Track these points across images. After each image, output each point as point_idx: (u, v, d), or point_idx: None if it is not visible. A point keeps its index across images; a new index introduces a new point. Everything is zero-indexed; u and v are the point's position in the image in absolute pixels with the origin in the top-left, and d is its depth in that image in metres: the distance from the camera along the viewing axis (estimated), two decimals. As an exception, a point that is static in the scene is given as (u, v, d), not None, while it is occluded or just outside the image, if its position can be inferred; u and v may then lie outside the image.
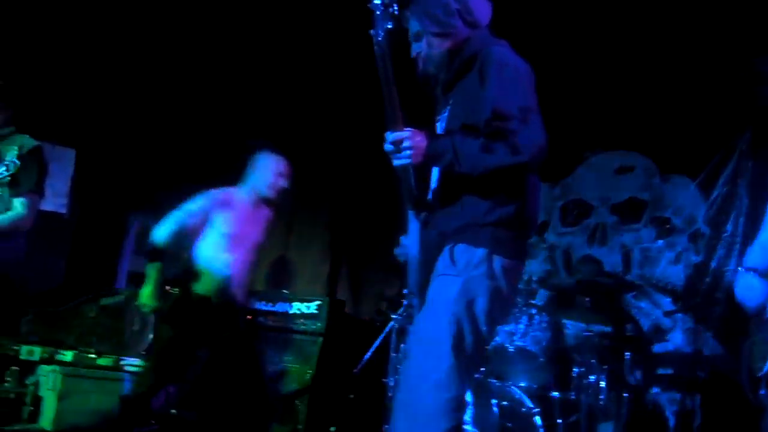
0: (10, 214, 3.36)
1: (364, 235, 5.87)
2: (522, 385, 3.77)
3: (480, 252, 1.98)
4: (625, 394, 3.84)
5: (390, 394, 4.02)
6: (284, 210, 6.02)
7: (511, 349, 3.85)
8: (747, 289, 2.56)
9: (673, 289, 4.33)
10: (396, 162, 1.99)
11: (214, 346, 3.84)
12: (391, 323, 4.22)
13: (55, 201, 4.91)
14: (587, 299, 4.03)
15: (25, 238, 3.50)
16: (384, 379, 4.17)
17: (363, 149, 5.71)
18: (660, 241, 4.75)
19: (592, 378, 3.82)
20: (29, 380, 4.12)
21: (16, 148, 3.38)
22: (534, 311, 3.92)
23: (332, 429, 4.51)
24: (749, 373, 2.44)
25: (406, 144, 1.94)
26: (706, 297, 4.36)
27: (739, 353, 2.56)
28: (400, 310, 4.19)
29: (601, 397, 3.80)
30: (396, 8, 1.90)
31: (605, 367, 3.84)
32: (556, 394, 3.82)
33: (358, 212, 5.90)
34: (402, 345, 4.06)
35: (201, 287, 3.72)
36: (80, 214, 5.34)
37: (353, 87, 5.67)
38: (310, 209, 5.98)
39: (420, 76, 2.22)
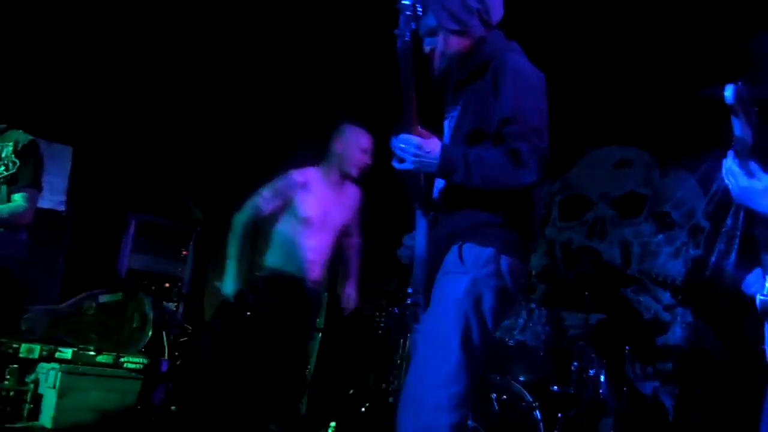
0: (11, 205, 3.35)
1: (363, 231, 5.86)
2: (522, 379, 3.77)
3: (488, 251, 2.02)
4: (624, 388, 3.85)
5: (390, 389, 4.02)
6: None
7: (510, 343, 3.86)
8: None
9: (673, 283, 4.33)
10: (398, 166, 2.00)
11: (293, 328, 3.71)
12: (391, 319, 4.21)
13: (52, 199, 4.90)
14: (586, 293, 4.03)
15: (27, 234, 3.49)
16: (383, 374, 4.17)
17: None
18: (660, 236, 4.75)
19: (591, 372, 3.82)
20: (29, 378, 4.11)
21: (11, 144, 3.37)
22: (533, 306, 3.93)
23: (332, 424, 4.51)
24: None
25: (411, 150, 1.95)
26: (705, 291, 4.36)
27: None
28: (400, 305, 4.19)
29: (601, 391, 3.80)
30: (421, 9, 1.90)
31: (604, 361, 3.85)
32: (555, 388, 3.82)
33: (358, 207, 5.88)
34: (401, 340, 4.06)
35: (280, 270, 3.64)
36: (78, 211, 5.33)
37: (350, 82, 5.67)
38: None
39: (433, 73, 2.21)
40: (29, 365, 4.13)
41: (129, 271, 5.44)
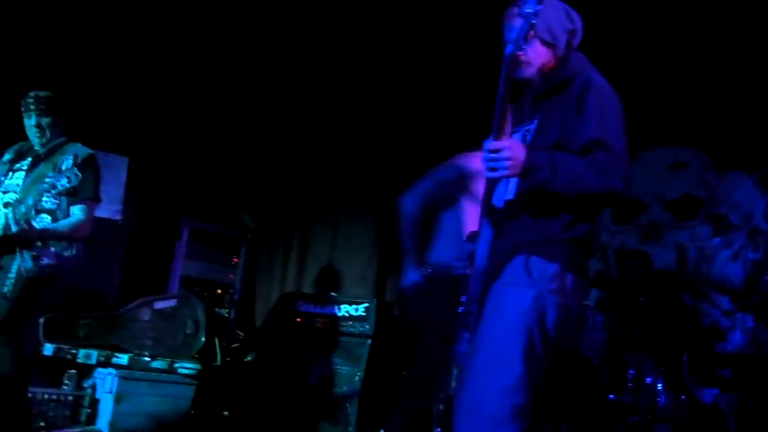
0: (70, 220, 3.45)
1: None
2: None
3: (554, 267, 2.01)
4: (682, 397, 3.74)
5: (440, 397, 3.99)
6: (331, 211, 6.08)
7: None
8: None
9: (732, 288, 4.21)
10: (492, 174, 1.98)
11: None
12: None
13: (109, 208, 5.01)
14: (642, 299, 3.94)
15: (83, 245, 3.59)
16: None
17: (410, 151, 5.70)
18: (717, 239, 4.61)
19: (648, 380, 3.73)
20: (87, 383, 4.22)
21: (71, 157, 3.46)
22: (588, 312, 3.85)
23: (382, 431, 4.50)
24: None
25: (505, 154, 1.93)
26: (767, 295, 4.22)
27: None
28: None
29: (658, 399, 3.71)
30: (536, 21, 1.96)
31: (662, 368, 3.75)
32: (611, 396, 3.74)
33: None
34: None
35: (447, 266, 3.19)
36: (134, 220, 5.45)
37: (401, 90, 5.67)
38: (357, 210, 5.98)
39: (511, 79, 2.14)
40: (87, 371, 4.24)
41: (182, 278, 5.54)
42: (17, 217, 3.22)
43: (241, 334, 5.28)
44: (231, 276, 5.72)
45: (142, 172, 5.50)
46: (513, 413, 1.90)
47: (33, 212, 3.29)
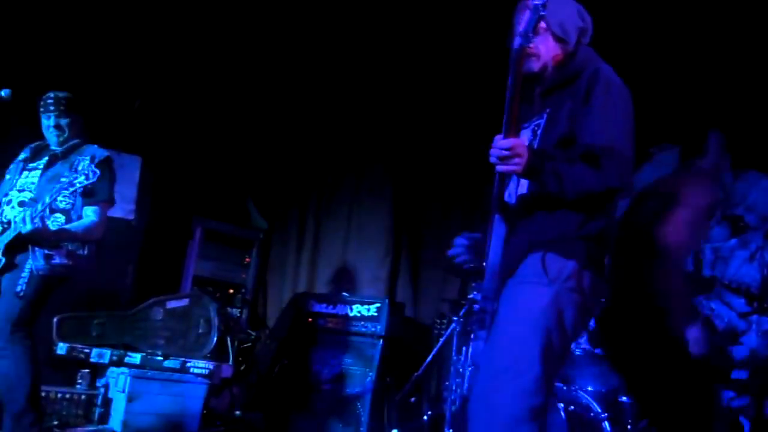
0: (83, 221, 3.47)
1: (423, 237, 5.83)
2: (589, 389, 3.67)
3: (571, 264, 1.99)
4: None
5: (452, 398, 3.97)
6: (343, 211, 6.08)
7: (578, 352, 3.76)
8: None
9: (748, 290, 4.16)
10: (502, 168, 1.96)
11: None
12: (453, 326, 4.17)
13: (122, 207, 5.03)
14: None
15: (95, 245, 3.60)
16: (445, 382, 4.12)
17: (424, 151, 5.69)
18: (733, 240, 4.56)
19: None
20: (100, 382, 4.24)
21: (87, 158, 3.49)
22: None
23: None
24: None
25: (517, 151, 1.93)
26: (784, 297, 4.17)
27: None
28: (462, 312, 4.14)
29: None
30: (545, 13, 1.97)
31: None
32: (625, 398, 3.70)
33: (417, 214, 5.87)
34: (464, 348, 4.00)
35: None
36: (147, 219, 5.47)
37: (419, 88, 5.65)
38: (370, 210, 5.98)
39: (521, 72, 2.09)
40: (100, 370, 4.26)
41: (195, 277, 5.55)
42: (32, 215, 3.24)
43: (253, 333, 5.29)
44: (243, 275, 5.73)
45: (155, 172, 5.52)
46: (530, 414, 1.88)
47: (48, 211, 3.31)
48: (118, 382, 4.10)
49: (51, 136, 3.61)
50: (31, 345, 3.32)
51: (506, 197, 2.16)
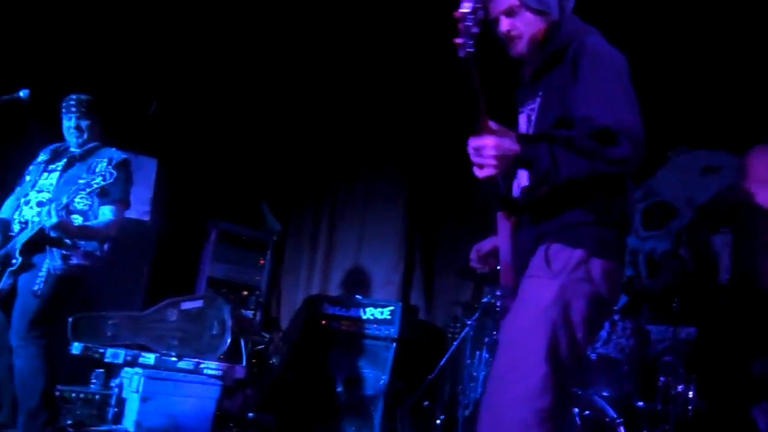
0: (101, 220, 3.51)
1: (437, 241, 5.82)
2: (605, 394, 3.63)
3: (578, 253, 1.85)
4: (715, 404, 3.65)
5: (465, 402, 3.95)
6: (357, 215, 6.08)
7: (593, 356, 3.72)
8: None
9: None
10: (479, 173, 1.82)
11: None
12: (466, 329, 4.15)
13: (138, 209, 5.05)
14: (674, 305, 3.85)
15: (110, 247, 3.63)
16: (458, 386, 4.10)
17: (438, 154, 5.67)
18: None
19: (680, 387, 3.65)
20: (114, 382, 4.25)
21: (105, 160, 3.53)
22: (617, 317, 3.78)
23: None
24: None
25: (490, 152, 1.78)
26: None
27: None
28: (475, 316, 4.12)
29: (689, 407, 3.62)
30: (483, 13, 1.77)
31: (693, 375, 3.67)
32: (641, 403, 3.66)
33: (431, 217, 5.86)
34: (477, 352, 3.98)
35: None
36: (162, 221, 5.49)
37: (433, 91, 5.64)
38: (383, 213, 5.97)
39: (476, 69, 1.91)
40: (114, 370, 4.27)
41: (209, 279, 5.56)
42: (57, 208, 3.26)
43: (267, 335, 5.29)
44: (257, 277, 5.73)
45: (170, 174, 5.55)
46: (538, 418, 1.76)
47: (65, 212, 3.33)
48: (131, 382, 4.11)
49: (71, 137, 3.66)
50: (47, 344, 3.34)
51: (514, 191, 2.09)
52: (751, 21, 4.37)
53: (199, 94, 5.78)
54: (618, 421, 3.45)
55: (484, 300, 4.13)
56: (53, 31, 5.05)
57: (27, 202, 3.54)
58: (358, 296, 5.11)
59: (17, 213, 3.54)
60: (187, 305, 4.60)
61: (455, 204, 5.67)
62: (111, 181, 3.25)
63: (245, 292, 5.63)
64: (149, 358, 4.20)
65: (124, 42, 5.32)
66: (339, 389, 4.59)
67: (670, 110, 4.77)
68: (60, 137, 3.73)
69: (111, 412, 4.11)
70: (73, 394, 4.07)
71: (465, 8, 1.71)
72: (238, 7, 5.41)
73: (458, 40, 1.73)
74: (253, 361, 5.00)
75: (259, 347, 5.17)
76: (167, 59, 5.54)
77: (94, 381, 4.28)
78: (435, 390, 4.59)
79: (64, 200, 3.27)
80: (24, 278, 3.40)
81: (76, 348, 4.10)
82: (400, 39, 5.47)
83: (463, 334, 4.18)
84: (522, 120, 2.11)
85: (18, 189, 3.70)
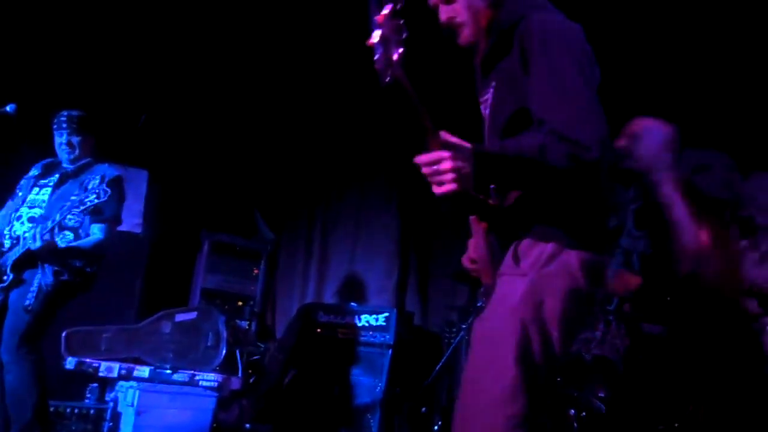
0: (90, 239, 3.50)
1: (431, 246, 5.81)
2: (601, 395, 3.63)
3: (549, 247, 1.71)
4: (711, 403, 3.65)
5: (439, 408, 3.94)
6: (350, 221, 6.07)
7: (587, 357, 3.72)
8: None
9: (759, 291, 4.11)
10: (437, 190, 1.65)
11: None
12: (461, 334, 4.14)
13: (130, 221, 5.04)
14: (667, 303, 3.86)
15: (100, 262, 3.62)
16: (455, 391, 4.09)
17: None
18: (743, 241, 4.52)
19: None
20: (108, 396, 4.23)
21: (98, 177, 3.53)
22: (611, 318, 3.78)
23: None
24: None
25: (446, 166, 1.61)
26: (796, 299, 4.11)
27: None
28: (470, 320, 4.11)
29: (690, 407, 3.62)
30: (402, 23, 1.61)
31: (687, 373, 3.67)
32: (636, 404, 3.66)
33: (425, 223, 5.85)
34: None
35: None
36: (154, 233, 5.48)
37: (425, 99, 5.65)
38: (376, 220, 5.97)
39: (405, 78, 1.73)
40: (109, 384, 4.25)
41: (203, 290, 5.55)
42: (42, 232, 3.26)
43: (262, 345, 5.28)
44: (251, 288, 5.72)
45: (162, 186, 5.54)
46: (509, 424, 1.62)
47: (57, 229, 3.33)
48: (126, 396, 4.09)
49: (63, 153, 3.65)
50: (38, 359, 3.33)
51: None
52: (737, 19, 4.39)
53: (190, 104, 5.78)
54: (615, 421, 3.46)
55: (479, 304, 4.12)
56: (40, 45, 5.04)
57: (18, 218, 3.53)
58: (352, 303, 5.10)
59: (8, 228, 3.52)
60: (181, 317, 4.59)
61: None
62: (105, 199, 3.24)
63: (240, 303, 5.62)
64: (144, 371, 4.18)
65: (114, 54, 5.32)
66: (335, 397, 4.57)
67: (660, 108, 4.78)
68: (52, 152, 3.72)
69: (106, 426, 4.08)
70: (68, 410, 4.05)
71: (374, 38, 1.58)
72: (228, 18, 5.40)
73: (377, 68, 1.60)
74: (249, 371, 4.99)
75: (255, 357, 5.15)
76: (157, 70, 5.53)
77: (88, 396, 4.26)
78: (432, 395, 4.57)
79: (57, 217, 3.27)
80: (15, 294, 3.39)
81: (70, 363, 4.08)
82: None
83: (458, 338, 4.17)
84: (483, 113, 1.96)
85: (9, 203, 3.69)
